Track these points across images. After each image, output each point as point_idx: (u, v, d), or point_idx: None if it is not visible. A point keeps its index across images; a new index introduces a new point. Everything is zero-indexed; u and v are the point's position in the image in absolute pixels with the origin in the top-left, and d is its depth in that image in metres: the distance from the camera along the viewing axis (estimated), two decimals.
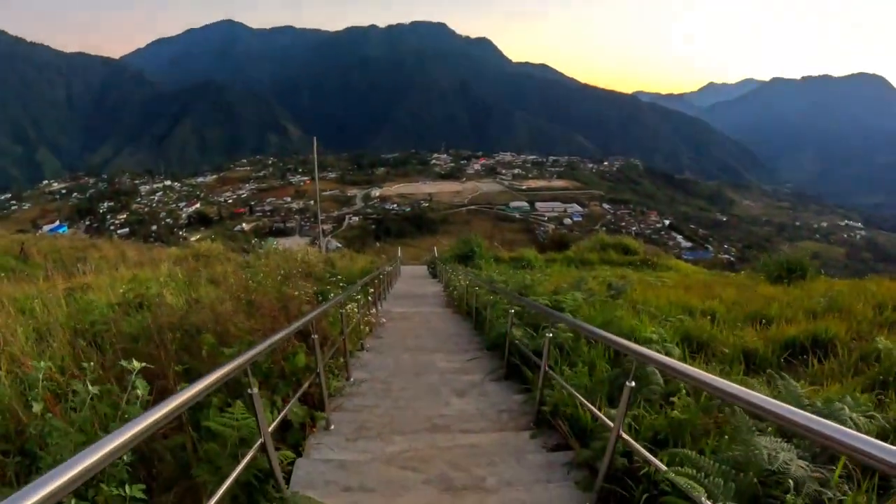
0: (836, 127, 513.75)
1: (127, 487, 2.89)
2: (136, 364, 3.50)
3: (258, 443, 3.45)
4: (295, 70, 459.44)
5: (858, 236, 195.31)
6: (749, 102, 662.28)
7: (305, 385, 5.09)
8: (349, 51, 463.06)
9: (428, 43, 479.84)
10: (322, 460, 4.93)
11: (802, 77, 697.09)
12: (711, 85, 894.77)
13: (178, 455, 3.75)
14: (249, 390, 3.38)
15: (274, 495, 3.78)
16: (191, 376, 3.58)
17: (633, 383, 3.89)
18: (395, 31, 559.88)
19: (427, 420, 6.13)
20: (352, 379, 7.47)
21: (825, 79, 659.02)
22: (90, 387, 3.35)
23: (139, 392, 3.47)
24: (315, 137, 47.32)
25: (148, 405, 3.31)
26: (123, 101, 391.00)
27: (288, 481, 4.33)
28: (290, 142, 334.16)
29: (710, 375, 3.03)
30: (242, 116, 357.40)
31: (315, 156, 47.76)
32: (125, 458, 3.06)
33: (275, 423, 3.97)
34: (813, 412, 4.23)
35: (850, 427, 3.99)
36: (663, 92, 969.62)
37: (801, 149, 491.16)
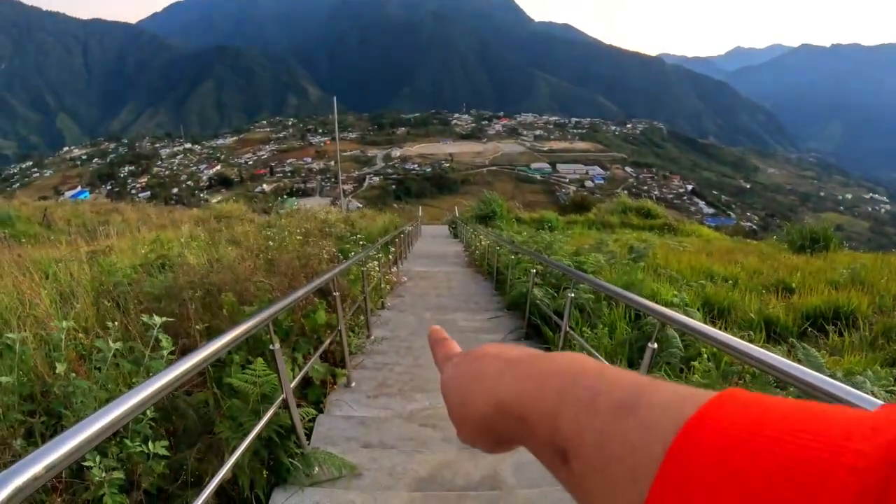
0: (864, 97, 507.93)
1: (150, 444, 2.89)
2: (158, 319, 3.51)
3: (280, 399, 3.47)
4: (314, 31, 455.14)
5: (883, 210, 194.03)
6: (776, 68, 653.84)
7: (326, 342, 5.09)
8: (368, 11, 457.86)
9: (448, 2, 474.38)
10: (343, 417, 4.96)
11: (832, 44, 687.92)
12: (738, 49, 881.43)
13: (200, 412, 3.75)
14: (271, 346, 3.39)
15: (295, 451, 3.79)
16: (212, 334, 3.59)
17: (656, 345, 3.88)
18: None
19: None
20: (372, 337, 7.49)
21: (855, 47, 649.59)
22: (112, 344, 3.35)
23: (163, 347, 3.48)
24: (335, 97, 46.93)
25: (171, 362, 3.33)
26: (142, 65, 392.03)
27: (309, 437, 4.36)
28: (309, 103, 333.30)
29: (734, 338, 2.98)
30: (261, 78, 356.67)
31: (335, 115, 47.12)
32: (148, 413, 3.07)
33: (296, 380, 3.98)
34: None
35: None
36: (689, 55, 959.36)
37: (827, 118, 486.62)
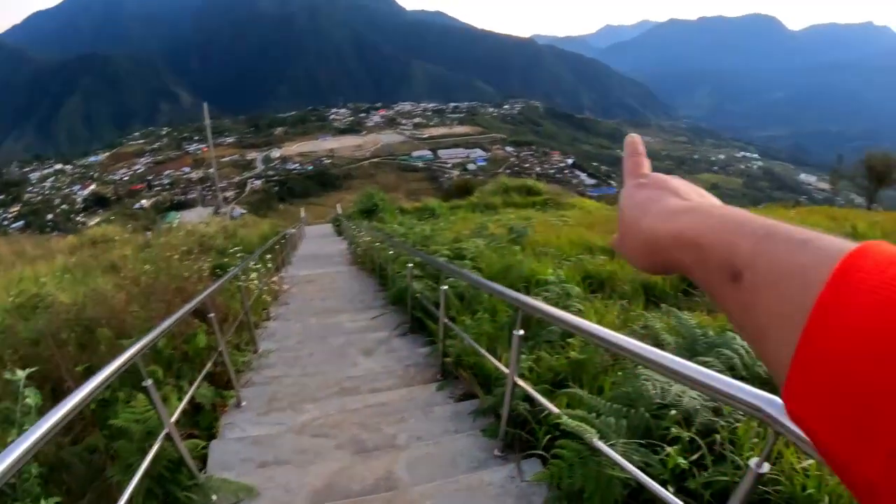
0: (730, 64, 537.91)
1: (42, 502, 2.88)
2: (21, 373, 3.34)
3: (162, 434, 3.43)
4: (183, 32, 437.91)
5: (755, 166, 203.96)
6: (646, 43, 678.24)
7: (208, 366, 5.03)
8: (239, 7, 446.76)
9: None
10: (235, 439, 4.93)
11: (698, 17, 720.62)
12: (609, 26, 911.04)
13: (90, 458, 3.73)
14: (143, 382, 3.34)
15: (188, 483, 3.77)
16: (92, 375, 3.53)
17: (522, 331, 4.02)
18: None
19: (336, 384, 6.18)
20: (260, 351, 7.40)
21: (720, 19, 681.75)
22: None
23: (30, 402, 3.37)
24: (206, 103, 45.73)
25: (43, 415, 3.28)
26: (3, 84, 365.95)
27: (206, 464, 4.36)
28: (182, 109, 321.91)
29: (579, 319, 3.18)
30: (131, 87, 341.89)
31: (208, 122, 45.92)
32: (34, 470, 3.06)
33: (178, 411, 3.92)
34: (707, 343, 4.51)
35: (740, 354, 4.28)
36: (561, 34, 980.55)
37: (697, 86, 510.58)
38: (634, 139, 0.79)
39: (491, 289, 4.81)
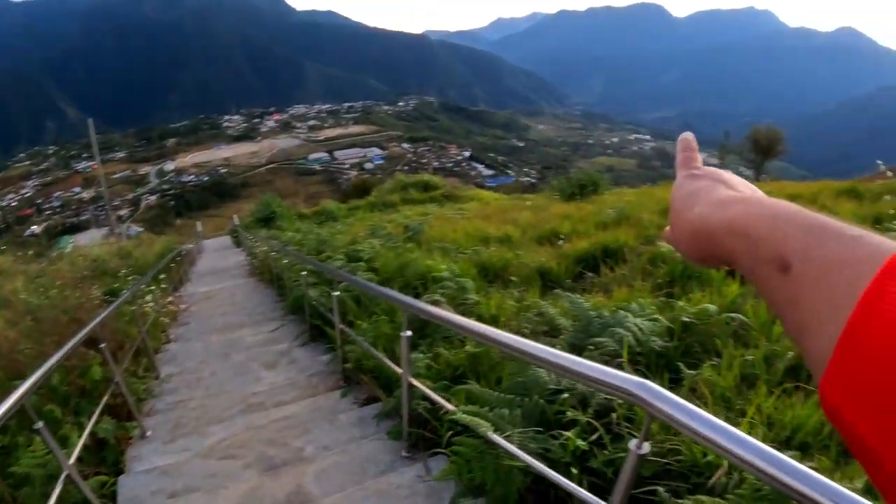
0: (620, 52, 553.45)
1: None
2: None
3: (62, 476, 3.32)
4: (67, 43, 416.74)
5: (648, 147, 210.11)
6: (537, 34, 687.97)
7: (106, 398, 4.88)
8: (124, 14, 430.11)
9: None
10: (143, 472, 4.78)
11: (587, 8, 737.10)
12: (500, 20, 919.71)
13: None
14: (34, 425, 3.24)
15: None
16: None
17: (410, 332, 4.12)
18: None
19: (241, 401, 6.11)
20: (161, 376, 7.22)
21: (608, 9, 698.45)
22: None
23: None
24: (90, 119, 43.99)
25: None
26: None
27: (116, 502, 4.26)
28: (70, 125, 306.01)
29: (461, 318, 3.30)
30: (13, 106, 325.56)
31: (94, 138, 44.20)
32: None
33: (77, 450, 3.81)
34: (601, 323, 4.65)
35: (633, 332, 4.44)
36: (453, 29, 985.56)
37: (588, 74, 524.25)
38: (688, 136, 0.82)
39: (376, 291, 4.91)
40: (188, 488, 4.41)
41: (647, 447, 2.01)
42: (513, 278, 7.97)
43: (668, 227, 0.73)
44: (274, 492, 4.13)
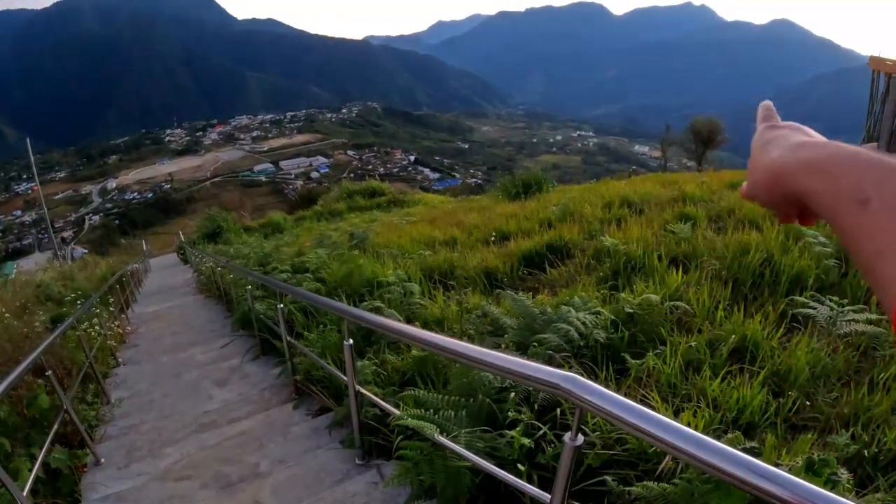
0: (560, 51, 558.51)
1: None
2: None
3: None
4: (2, 61, 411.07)
5: (591, 143, 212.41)
6: (478, 36, 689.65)
7: (56, 426, 4.79)
8: (60, 29, 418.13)
9: (144, 11, 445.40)
10: (99, 500, 4.75)
11: (526, 8, 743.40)
12: (441, 23, 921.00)
13: None
14: None
15: None
16: None
17: (351, 341, 4.18)
18: (107, 1, 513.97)
19: (193, 421, 6.09)
20: (112, 401, 7.13)
21: (548, 9, 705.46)
22: None
23: None
24: (28, 138, 43.18)
25: None
26: None
27: None
28: (6, 146, 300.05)
29: (394, 322, 3.39)
30: None
31: (31, 158, 43.51)
32: None
33: (29, 482, 3.77)
34: (545, 320, 4.72)
35: (576, 326, 4.51)
36: (394, 34, 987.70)
37: (530, 74, 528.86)
38: (767, 103, 0.84)
39: (316, 301, 4.94)
40: None
41: (581, 439, 2.06)
42: (458, 281, 7.99)
43: (744, 183, 0.77)
44: None
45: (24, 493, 3.45)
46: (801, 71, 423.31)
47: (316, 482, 4.36)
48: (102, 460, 5.43)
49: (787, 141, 0.69)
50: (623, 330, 4.69)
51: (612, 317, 4.83)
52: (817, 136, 0.70)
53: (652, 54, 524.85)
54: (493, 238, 10.38)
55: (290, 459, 4.79)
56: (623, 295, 5.28)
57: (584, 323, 4.54)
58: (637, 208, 10.66)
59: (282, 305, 6.25)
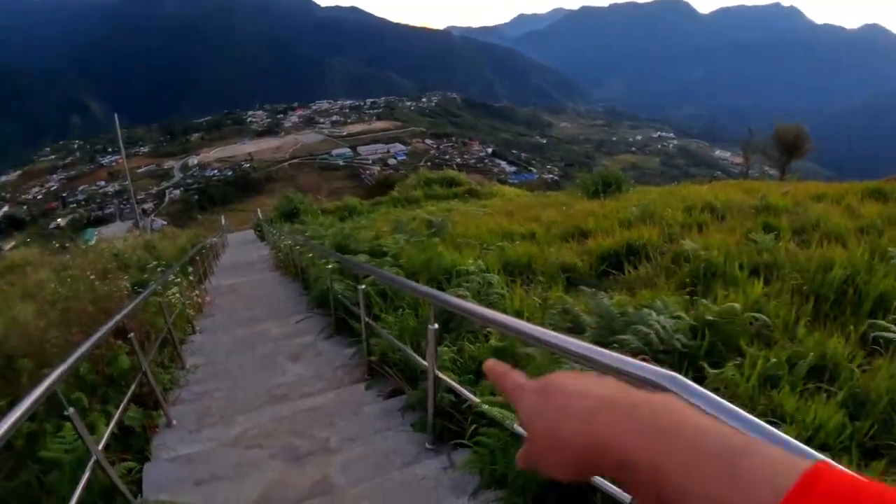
0: (644, 49, 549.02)
1: None
2: None
3: (91, 462, 3.35)
4: (91, 41, 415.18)
5: (671, 145, 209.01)
6: (560, 30, 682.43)
7: (133, 387, 4.87)
8: (149, 12, 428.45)
9: None
10: (169, 460, 4.83)
11: (610, 4, 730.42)
12: (522, 16, 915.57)
13: (25, 493, 3.66)
14: (65, 411, 3.26)
15: None
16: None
17: (436, 325, 4.09)
18: None
19: (266, 392, 6.15)
20: (187, 367, 7.27)
21: (631, 5, 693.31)
22: None
23: None
24: (116, 114, 44.20)
25: None
26: None
27: (141, 488, 4.28)
28: (94, 121, 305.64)
29: (485, 309, 3.28)
30: (39, 100, 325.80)
31: (119, 133, 44.61)
32: None
33: (105, 437, 3.82)
34: (625, 321, 4.64)
35: (656, 329, 4.43)
36: (475, 25, 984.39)
37: (612, 71, 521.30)
38: (492, 363, 0.75)
39: (403, 284, 4.90)
40: (214, 476, 4.45)
41: None
42: (539, 275, 7.92)
43: (523, 449, 0.67)
44: (300, 481, 4.17)
45: (100, 447, 3.50)
46: (893, 80, 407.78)
47: (385, 462, 4.34)
48: (174, 422, 5.53)
49: (570, 409, 0.59)
50: (702, 337, 4.58)
51: (693, 322, 4.72)
52: (586, 382, 0.62)
53: (737, 55, 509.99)
54: (572, 235, 10.30)
55: (360, 438, 4.79)
56: (704, 301, 5.15)
57: (663, 327, 4.45)
58: (719, 214, 10.49)
59: (363, 287, 6.24)
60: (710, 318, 4.78)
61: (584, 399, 0.59)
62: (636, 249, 8.38)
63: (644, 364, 2.04)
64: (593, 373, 0.65)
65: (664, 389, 1.86)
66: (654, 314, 4.66)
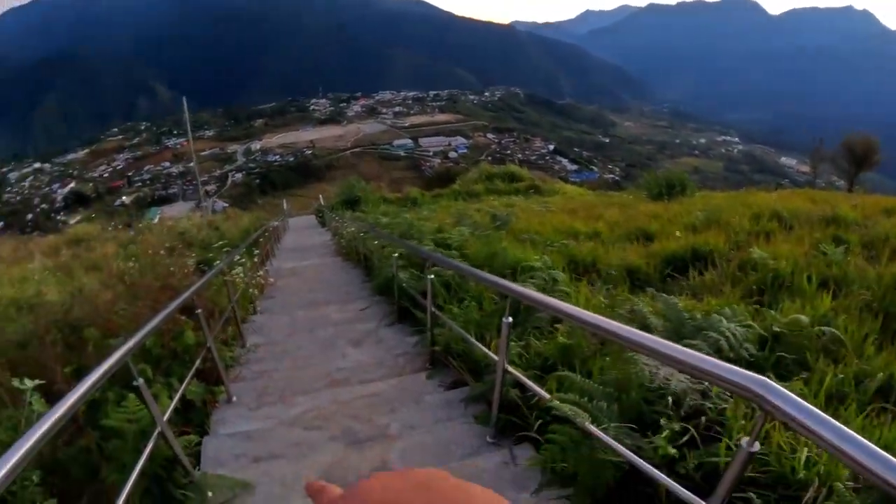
0: (711, 49, 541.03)
1: None
2: (30, 382, 3.38)
3: (156, 433, 3.38)
4: (159, 27, 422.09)
5: (736, 150, 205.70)
6: (625, 28, 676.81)
7: (197, 362, 4.93)
8: (214, 0, 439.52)
9: None
10: (228, 435, 4.90)
11: (677, 3, 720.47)
12: (588, 12, 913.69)
13: (85, 460, 3.71)
14: (134, 382, 3.30)
15: (182, 481, 3.76)
16: (81, 376, 3.45)
17: (510, 319, 4.01)
18: None
19: (326, 376, 6.17)
20: (248, 345, 7.36)
21: (699, 4, 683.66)
22: None
23: (36, 409, 3.36)
24: (184, 97, 44.96)
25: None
26: None
27: (200, 462, 4.34)
28: (160, 103, 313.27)
29: (569, 306, 3.22)
30: (108, 83, 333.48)
31: (186, 116, 45.39)
32: (35, 479, 3.05)
33: (169, 409, 3.86)
34: (694, 326, 4.54)
35: (726, 336, 4.32)
36: (540, 21, 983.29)
37: (677, 71, 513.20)
38: (309, 484, 0.70)
39: (479, 277, 4.81)
40: (272, 454, 4.49)
41: (757, 446, 1.96)
42: (610, 273, 7.88)
43: None
44: (359, 464, 4.15)
45: (165, 419, 3.53)
46: None
47: (445, 452, 4.30)
48: (234, 399, 5.60)
49: None
50: (770, 349, 4.52)
51: (762, 332, 4.65)
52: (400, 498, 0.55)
53: (807, 59, 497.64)
54: (635, 237, 10.21)
55: (421, 427, 4.77)
56: (772, 312, 5.07)
57: (733, 335, 4.35)
58: (786, 223, 10.27)
59: (431, 276, 6.19)
60: (778, 329, 4.72)
61: None
62: (702, 255, 8.28)
63: (734, 367, 1.98)
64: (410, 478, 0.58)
65: (755, 395, 1.86)
66: (723, 321, 4.57)
